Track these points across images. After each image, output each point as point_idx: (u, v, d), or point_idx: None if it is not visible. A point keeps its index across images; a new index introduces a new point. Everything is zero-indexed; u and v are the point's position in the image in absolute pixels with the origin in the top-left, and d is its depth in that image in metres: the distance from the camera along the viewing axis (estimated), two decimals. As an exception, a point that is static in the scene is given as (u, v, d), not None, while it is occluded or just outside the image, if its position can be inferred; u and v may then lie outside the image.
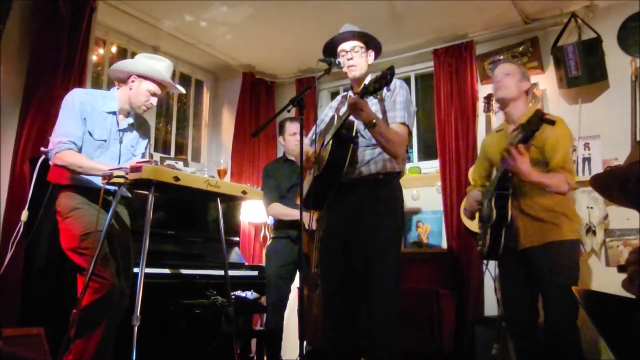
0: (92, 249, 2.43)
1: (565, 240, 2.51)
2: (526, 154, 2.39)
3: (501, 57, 4.20)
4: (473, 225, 3.68)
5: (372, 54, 2.59)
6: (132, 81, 2.62)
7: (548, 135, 2.49)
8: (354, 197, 2.44)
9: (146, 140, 2.84)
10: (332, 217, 2.57)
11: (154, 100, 2.65)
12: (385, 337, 2.32)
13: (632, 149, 2.18)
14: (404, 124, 2.44)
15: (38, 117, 3.28)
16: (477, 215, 2.79)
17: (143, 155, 2.80)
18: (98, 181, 2.56)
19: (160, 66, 2.64)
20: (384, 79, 2.17)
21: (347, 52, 2.52)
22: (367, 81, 2.48)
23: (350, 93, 2.66)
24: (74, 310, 2.39)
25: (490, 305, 3.82)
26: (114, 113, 2.64)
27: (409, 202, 4.53)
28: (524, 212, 2.56)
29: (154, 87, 2.62)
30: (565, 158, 2.51)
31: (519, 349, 2.64)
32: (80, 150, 2.52)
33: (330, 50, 2.59)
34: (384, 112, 2.47)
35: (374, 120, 2.27)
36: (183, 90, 2.82)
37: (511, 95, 2.67)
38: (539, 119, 2.29)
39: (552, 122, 2.34)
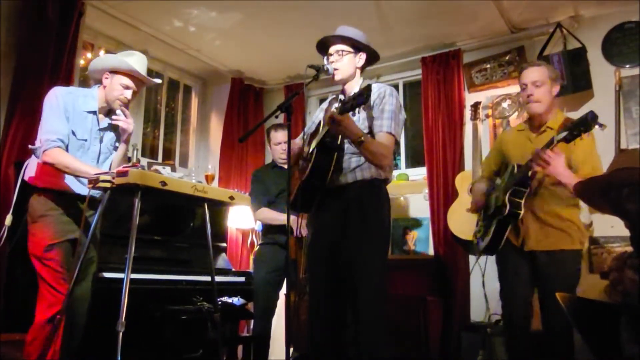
0: (56, 261, 2.45)
1: (574, 250, 2.52)
2: (562, 154, 2.34)
3: (487, 66, 4.24)
4: (460, 232, 3.70)
5: (362, 56, 2.57)
6: (106, 78, 2.63)
7: (575, 146, 2.42)
8: (340, 204, 2.45)
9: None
10: (318, 222, 2.58)
11: (128, 94, 2.63)
12: (371, 344, 2.32)
13: (615, 157, 2.20)
14: (390, 133, 2.43)
15: (24, 120, 3.25)
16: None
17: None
18: (76, 186, 2.56)
19: (130, 59, 2.63)
20: (360, 97, 2.17)
21: (332, 55, 2.54)
22: (355, 89, 2.50)
23: (332, 106, 2.66)
24: (58, 316, 2.37)
25: (477, 312, 3.84)
26: (94, 112, 2.63)
27: (396, 209, 4.55)
28: (536, 215, 2.54)
29: (126, 80, 2.61)
30: (596, 170, 2.45)
31: (511, 348, 2.65)
32: (67, 148, 2.51)
33: (323, 50, 2.60)
34: (371, 119, 2.47)
35: (362, 138, 2.29)
36: (158, 81, 2.81)
37: (545, 108, 2.58)
38: (592, 121, 2.19)
39: (603, 127, 2.33)
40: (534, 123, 2.68)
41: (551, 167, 2.34)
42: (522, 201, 2.50)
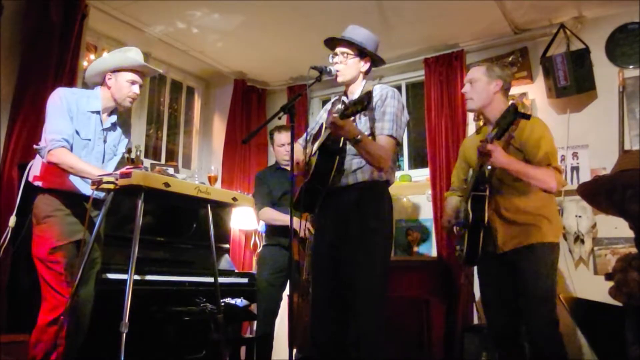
0: (60, 263, 2.45)
1: (546, 243, 2.46)
2: (498, 144, 2.35)
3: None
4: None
5: (367, 61, 2.55)
6: (109, 79, 2.64)
7: (528, 135, 2.45)
8: (341, 205, 2.45)
9: (127, 140, 2.86)
10: (321, 224, 2.58)
11: (136, 89, 2.66)
12: (370, 345, 2.32)
13: (619, 158, 2.19)
14: (391, 136, 2.42)
15: (27, 122, 3.26)
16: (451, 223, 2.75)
17: (123, 155, 2.82)
18: (82, 186, 2.57)
19: (129, 54, 2.65)
20: (360, 104, 2.18)
21: (337, 55, 2.53)
22: (358, 91, 2.50)
23: (335, 107, 2.66)
24: (61, 317, 2.37)
25: (480, 313, 3.83)
26: (98, 112, 2.65)
27: (398, 210, 4.55)
28: (502, 215, 2.51)
29: (131, 76, 2.64)
30: (549, 155, 2.43)
31: (502, 358, 2.62)
32: (71, 148, 2.51)
33: (330, 47, 2.60)
34: (372, 121, 2.46)
35: (358, 137, 2.29)
36: (160, 71, 2.85)
37: (480, 104, 2.61)
38: (514, 113, 2.24)
39: (527, 116, 2.31)
40: (487, 124, 2.67)
41: (493, 158, 2.34)
42: (484, 206, 2.45)
